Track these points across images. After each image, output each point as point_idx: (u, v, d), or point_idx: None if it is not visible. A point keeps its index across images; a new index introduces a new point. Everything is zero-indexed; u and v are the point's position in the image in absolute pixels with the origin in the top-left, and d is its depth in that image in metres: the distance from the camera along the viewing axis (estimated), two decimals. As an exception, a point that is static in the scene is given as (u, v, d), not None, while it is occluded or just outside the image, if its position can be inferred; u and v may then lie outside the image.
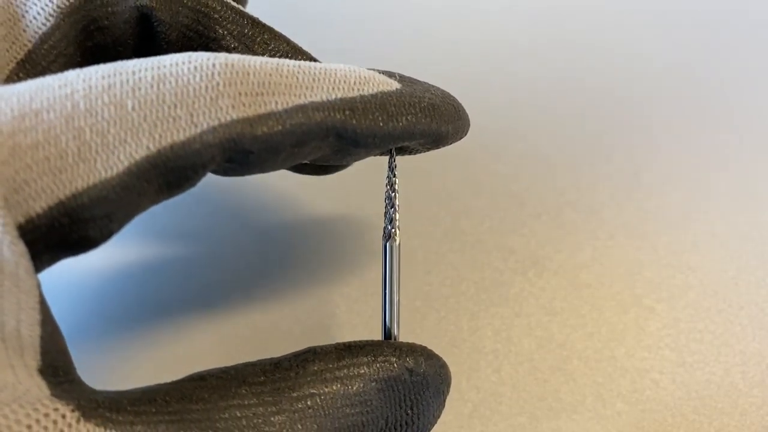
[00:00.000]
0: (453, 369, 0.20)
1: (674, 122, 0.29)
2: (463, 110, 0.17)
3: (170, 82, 0.12)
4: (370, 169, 0.22)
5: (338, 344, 0.15)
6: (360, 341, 0.15)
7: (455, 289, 0.23)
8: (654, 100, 0.30)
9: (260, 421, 0.12)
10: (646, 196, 0.26)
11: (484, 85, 0.31)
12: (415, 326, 0.22)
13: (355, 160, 0.17)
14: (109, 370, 0.20)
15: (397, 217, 0.16)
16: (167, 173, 0.12)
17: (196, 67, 0.13)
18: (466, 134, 0.18)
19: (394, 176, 0.17)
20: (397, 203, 0.16)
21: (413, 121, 0.15)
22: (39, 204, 0.11)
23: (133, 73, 0.12)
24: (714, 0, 0.36)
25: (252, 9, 0.19)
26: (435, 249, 0.24)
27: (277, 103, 0.13)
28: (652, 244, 0.24)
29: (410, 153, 0.18)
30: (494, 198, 0.26)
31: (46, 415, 0.10)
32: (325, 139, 0.14)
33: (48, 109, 0.12)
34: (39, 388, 0.11)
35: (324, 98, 0.14)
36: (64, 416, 0.11)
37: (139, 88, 0.12)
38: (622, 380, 0.20)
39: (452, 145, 0.28)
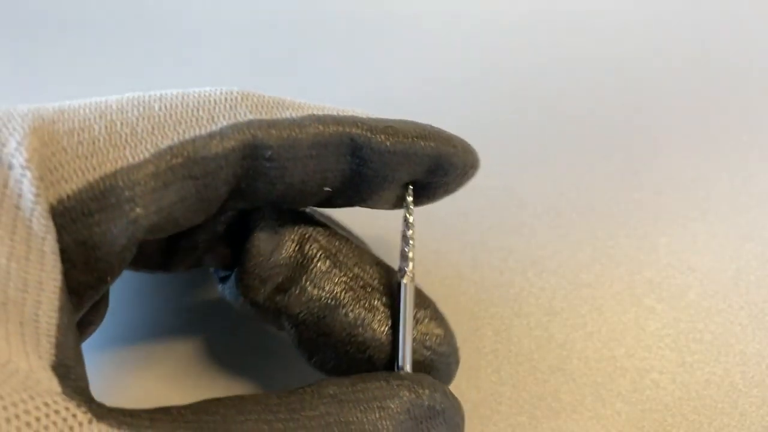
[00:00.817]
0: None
1: (674, 122, 0.29)
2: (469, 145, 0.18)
3: (193, 96, 0.14)
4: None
5: (353, 376, 0.15)
6: (375, 373, 0.15)
7: (455, 289, 0.23)
8: (654, 100, 0.30)
9: None
10: (646, 196, 0.26)
11: (485, 85, 0.31)
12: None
13: (372, 200, 0.17)
14: (110, 385, 0.20)
15: (412, 256, 0.17)
16: (190, 164, 0.13)
17: (217, 89, 0.15)
18: (476, 169, 0.19)
19: (410, 215, 0.17)
20: (413, 242, 0.17)
21: (422, 140, 0.16)
22: (70, 186, 0.12)
23: (160, 91, 0.14)
24: (713, 1, 0.36)
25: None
26: (435, 248, 0.24)
27: (292, 113, 0.15)
28: (651, 244, 0.24)
29: (429, 197, 0.18)
30: (494, 198, 0.26)
31: (57, 411, 0.10)
32: (341, 148, 0.15)
33: (84, 107, 0.13)
34: (51, 382, 0.11)
35: (337, 113, 0.15)
36: (75, 415, 0.10)
37: (165, 97, 0.14)
38: (621, 380, 0.20)
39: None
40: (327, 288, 0.17)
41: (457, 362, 0.18)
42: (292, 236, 0.17)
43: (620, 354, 0.21)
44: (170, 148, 0.13)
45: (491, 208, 0.25)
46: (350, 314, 0.16)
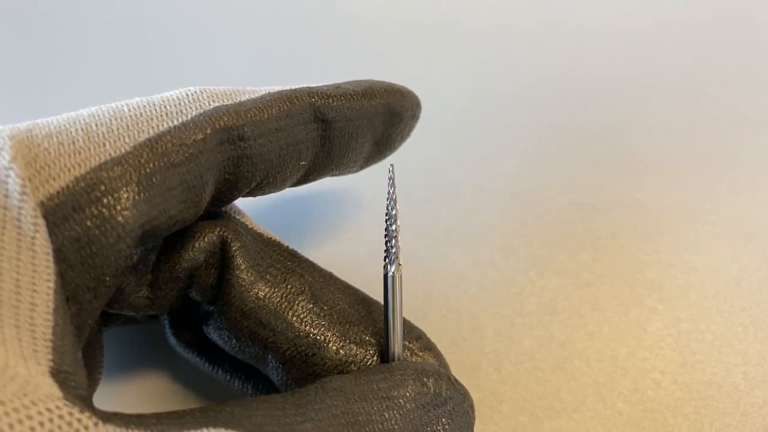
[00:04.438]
0: (454, 368, 0.20)
1: (676, 122, 0.29)
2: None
3: (157, 98, 0.15)
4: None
5: (357, 371, 0.15)
6: (378, 366, 0.15)
7: (456, 288, 0.23)
8: (656, 100, 0.30)
9: (289, 429, 0.12)
10: (647, 195, 0.26)
11: (487, 84, 0.31)
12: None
13: (342, 163, 0.18)
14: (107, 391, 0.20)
15: (397, 242, 0.16)
16: (171, 153, 0.14)
17: (176, 90, 0.15)
18: (420, 107, 0.20)
19: (394, 196, 0.16)
20: (399, 224, 0.16)
21: (373, 94, 0.18)
22: (59, 183, 0.12)
23: (124, 100, 0.15)
24: (715, 2, 0.36)
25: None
26: (436, 248, 0.24)
27: (253, 93, 0.16)
28: (653, 244, 0.24)
29: (390, 148, 0.19)
30: (496, 197, 0.26)
31: (61, 416, 0.10)
32: (304, 116, 0.16)
33: (55, 119, 0.14)
34: (50, 388, 0.10)
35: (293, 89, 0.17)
36: (80, 420, 0.10)
37: (132, 102, 0.15)
38: (623, 380, 0.20)
39: (454, 143, 0.28)
40: (314, 324, 0.16)
41: (465, 396, 0.17)
42: (275, 266, 0.17)
43: (621, 354, 0.21)
44: (149, 140, 0.14)
45: (493, 208, 0.25)
46: (341, 351, 0.16)
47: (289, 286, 0.16)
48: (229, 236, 0.16)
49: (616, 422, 0.20)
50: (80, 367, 0.12)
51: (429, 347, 0.17)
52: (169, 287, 0.16)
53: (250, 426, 0.12)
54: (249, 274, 0.16)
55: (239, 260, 0.16)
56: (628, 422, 0.20)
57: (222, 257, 0.16)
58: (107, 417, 0.11)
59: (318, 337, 0.16)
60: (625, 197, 0.26)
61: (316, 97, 0.16)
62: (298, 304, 0.16)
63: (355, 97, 0.17)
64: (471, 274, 0.23)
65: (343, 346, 0.16)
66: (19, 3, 0.35)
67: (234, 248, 0.16)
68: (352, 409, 0.13)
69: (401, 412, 0.14)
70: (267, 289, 0.16)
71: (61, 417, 0.10)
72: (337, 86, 0.17)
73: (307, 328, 0.16)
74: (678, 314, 0.22)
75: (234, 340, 0.16)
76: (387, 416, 0.13)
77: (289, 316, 0.16)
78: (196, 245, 0.16)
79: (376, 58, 0.32)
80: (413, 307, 0.22)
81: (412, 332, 0.17)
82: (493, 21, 0.35)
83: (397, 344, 0.16)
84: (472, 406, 0.16)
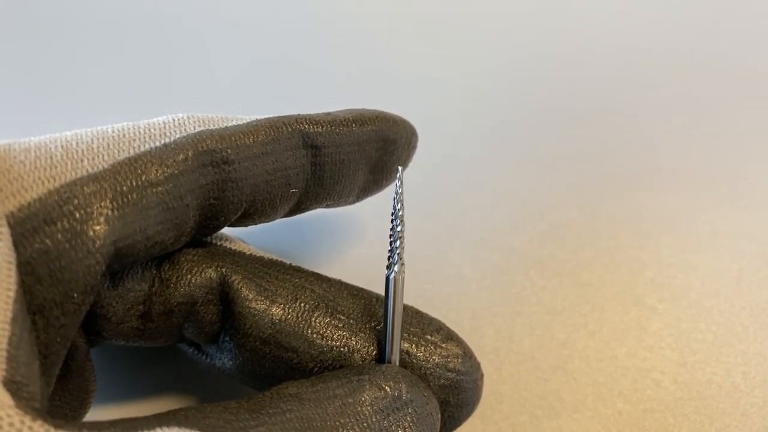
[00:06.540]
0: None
1: (677, 122, 0.29)
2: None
3: (144, 122, 0.15)
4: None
5: (315, 376, 0.15)
6: (337, 370, 0.15)
7: (456, 288, 0.23)
8: (656, 100, 0.30)
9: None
10: (648, 195, 0.26)
11: (487, 84, 0.31)
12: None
13: (336, 192, 0.18)
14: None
15: (404, 248, 0.16)
16: (149, 172, 0.14)
17: (164, 116, 0.15)
18: (416, 136, 0.20)
19: (400, 200, 0.16)
20: (402, 229, 0.16)
21: (364, 120, 0.18)
22: (30, 194, 0.12)
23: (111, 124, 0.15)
24: (715, 2, 0.36)
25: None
26: (436, 247, 0.24)
27: (241, 120, 0.16)
28: (654, 243, 0.24)
29: (387, 178, 0.19)
30: (496, 196, 0.26)
31: (11, 424, 0.10)
32: (292, 140, 0.16)
33: (38, 137, 0.14)
34: (2, 397, 0.10)
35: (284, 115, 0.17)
36: (30, 427, 0.10)
37: (117, 125, 0.15)
38: (623, 380, 0.20)
39: (454, 143, 0.28)
40: (335, 337, 0.16)
41: (482, 377, 0.17)
42: (283, 286, 0.16)
43: (622, 354, 0.21)
44: (128, 158, 0.14)
45: (493, 207, 0.25)
46: (367, 358, 0.16)
47: (302, 304, 0.16)
48: (228, 270, 0.16)
49: (616, 422, 0.20)
50: (36, 379, 0.12)
51: (451, 337, 0.17)
52: (162, 320, 0.16)
53: (203, 427, 0.12)
54: (258, 303, 0.16)
55: (245, 291, 0.16)
56: (628, 422, 0.20)
57: (223, 293, 0.16)
58: (60, 425, 0.10)
59: (342, 349, 0.16)
60: (625, 197, 0.26)
61: (305, 123, 0.16)
62: (315, 320, 0.16)
63: (345, 124, 0.17)
64: (471, 273, 0.23)
65: (368, 353, 0.16)
66: (18, 7, 0.35)
67: (236, 281, 0.16)
68: (307, 414, 0.13)
69: (358, 418, 0.14)
70: (281, 312, 0.16)
71: (11, 424, 0.10)
72: (328, 113, 0.17)
73: (329, 342, 0.16)
74: (678, 314, 0.22)
75: (258, 368, 0.16)
76: (343, 422, 0.13)
77: (309, 334, 0.16)
78: (193, 280, 0.16)
79: (375, 55, 0.32)
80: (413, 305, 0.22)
81: (432, 324, 0.17)
82: (495, 21, 0.35)
83: (395, 349, 0.16)
84: (436, 408, 0.15)
